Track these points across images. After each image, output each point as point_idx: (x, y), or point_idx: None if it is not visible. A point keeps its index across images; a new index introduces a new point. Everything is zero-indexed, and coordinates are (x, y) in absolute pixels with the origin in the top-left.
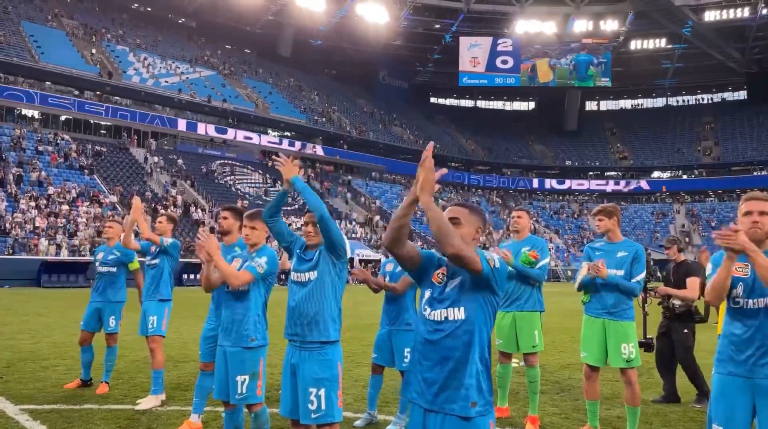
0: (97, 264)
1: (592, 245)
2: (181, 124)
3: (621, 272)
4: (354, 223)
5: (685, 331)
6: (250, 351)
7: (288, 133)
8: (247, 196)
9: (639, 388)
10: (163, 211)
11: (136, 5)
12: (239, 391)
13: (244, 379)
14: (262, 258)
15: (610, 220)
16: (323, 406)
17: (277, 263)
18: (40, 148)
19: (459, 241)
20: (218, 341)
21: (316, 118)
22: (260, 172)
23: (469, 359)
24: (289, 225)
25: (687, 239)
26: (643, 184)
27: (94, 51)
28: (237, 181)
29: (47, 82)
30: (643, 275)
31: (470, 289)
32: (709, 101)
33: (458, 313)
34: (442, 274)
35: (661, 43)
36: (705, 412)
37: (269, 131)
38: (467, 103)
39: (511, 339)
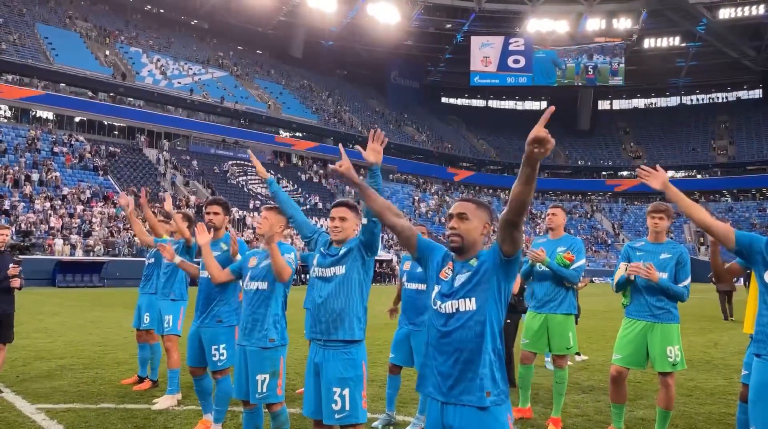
0: None
1: (633, 244)
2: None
3: (664, 275)
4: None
5: (507, 321)
6: (269, 350)
7: (299, 134)
8: (259, 196)
9: (674, 392)
10: (177, 210)
11: (149, 7)
12: (259, 390)
13: (265, 378)
14: (291, 254)
15: (668, 220)
16: (347, 407)
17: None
18: (55, 149)
19: (483, 229)
20: (237, 340)
21: (327, 118)
22: (272, 172)
23: (482, 349)
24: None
25: (701, 239)
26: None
27: (107, 53)
28: (249, 182)
29: (62, 84)
30: (689, 280)
31: (482, 280)
32: (724, 100)
33: (469, 304)
34: (449, 269)
35: (675, 41)
36: (732, 414)
37: (281, 132)
38: (479, 102)
39: (539, 340)
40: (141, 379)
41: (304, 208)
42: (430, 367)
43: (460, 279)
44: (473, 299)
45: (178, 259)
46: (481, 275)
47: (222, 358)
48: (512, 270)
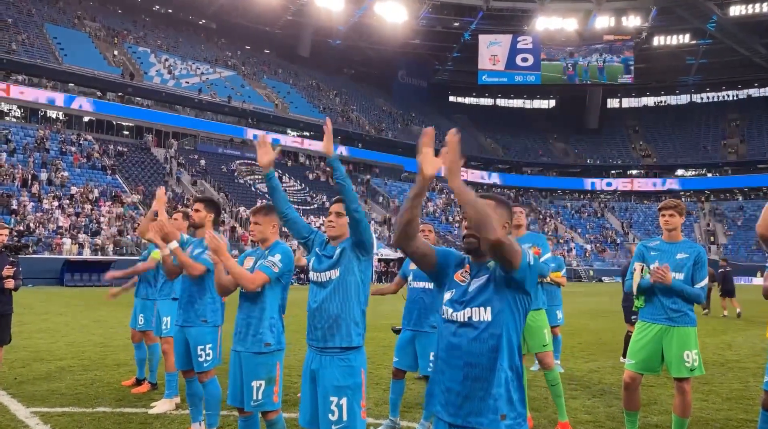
0: None
1: (647, 244)
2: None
3: (680, 275)
4: (373, 222)
5: None
6: (264, 355)
7: (307, 133)
8: (266, 195)
9: (691, 398)
10: (180, 207)
11: (157, 7)
12: (255, 398)
13: (260, 385)
14: (276, 256)
15: (680, 217)
16: (345, 417)
17: (293, 260)
18: (64, 149)
19: (501, 228)
20: (232, 345)
21: (334, 117)
22: (279, 171)
23: (496, 366)
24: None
25: (712, 238)
26: (667, 182)
27: (116, 53)
28: (257, 181)
29: (70, 84)
30: (706, 281)
31: (498, 287)
32: (734, 98)
33: (484, 314)
34: (466, 272)
35: (685, 38)
36: (751, 421)
37: (288, 131)
38: (487, 101)
39: None
40: (139, 382)
41: (312, 207)
42: (438, 383)
43: (476, 283)
44: (488, 309)
45: (174, 244)
46: (498, 281)
47: (208, 358)
48: (525, 281)
